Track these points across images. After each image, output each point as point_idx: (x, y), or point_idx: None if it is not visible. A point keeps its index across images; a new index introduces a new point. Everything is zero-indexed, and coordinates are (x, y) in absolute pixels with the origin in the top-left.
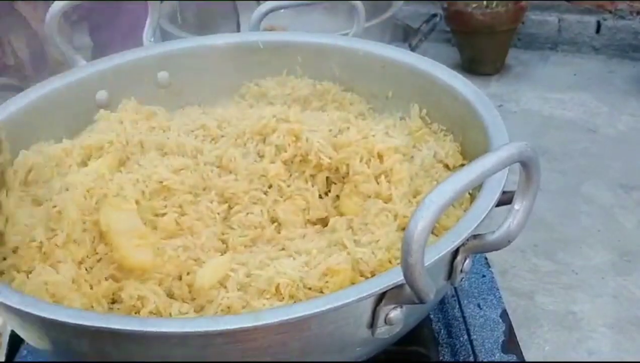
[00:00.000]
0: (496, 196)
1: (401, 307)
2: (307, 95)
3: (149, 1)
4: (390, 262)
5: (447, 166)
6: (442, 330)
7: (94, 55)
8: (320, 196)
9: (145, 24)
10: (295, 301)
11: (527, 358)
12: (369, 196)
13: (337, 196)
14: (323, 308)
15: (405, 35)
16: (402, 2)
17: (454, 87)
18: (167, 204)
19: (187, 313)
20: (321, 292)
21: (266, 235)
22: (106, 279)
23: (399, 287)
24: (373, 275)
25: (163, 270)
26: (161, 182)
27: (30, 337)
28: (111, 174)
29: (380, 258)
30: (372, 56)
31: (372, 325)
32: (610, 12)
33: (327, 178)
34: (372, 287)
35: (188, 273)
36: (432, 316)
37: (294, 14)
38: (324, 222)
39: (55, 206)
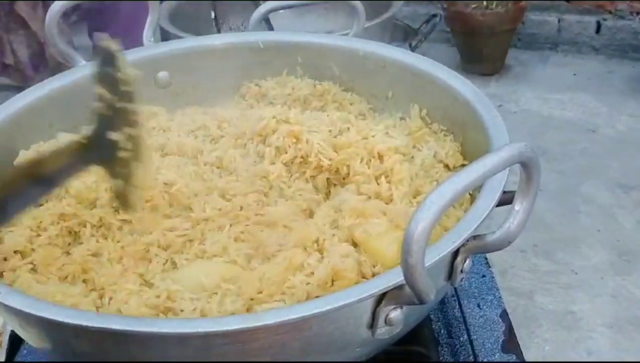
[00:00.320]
0: (496, 197)
1: (401, 308)
2: (307, 95)
3: (149, 1)
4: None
5: (447, 167)
6: (442, 330)
7: (94, 55)
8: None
9: (145, 24)
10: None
11: (526, 358)
12: (369, 197)
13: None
14: (323, 309)
15: (405, 36)
16: (402, 2)
17: (454, 88)
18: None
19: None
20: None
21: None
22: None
23: (399, 288)
24: (374, 275)
25: None
26: (166, 184)
27: (30, 337)
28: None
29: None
30: (372, 56)
31: (372, 325)
32: (610, 12)
33: (328, 179)
34: (372, 288)
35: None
36: (432, 316)
37: (294, 14)
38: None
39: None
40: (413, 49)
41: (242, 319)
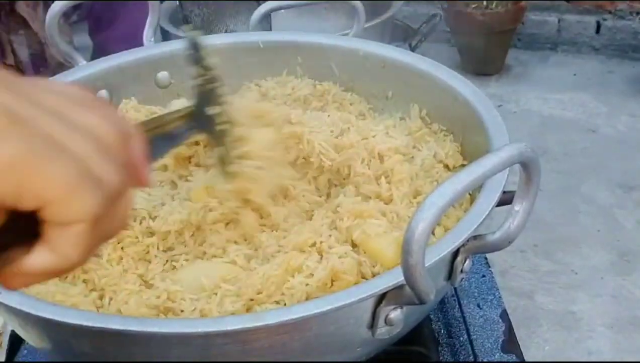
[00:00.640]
0: (496, 197)
1: (401, 308)
2: (307, 95)
3: (149, 1)
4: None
5: (447, 167)
6: (442, 330)
7: (94, 55)
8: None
9: (145, 24)
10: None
11: (526, 358)
12: (370, 197)
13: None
14: (323, 309)
15: (405, 36)
16: (402, 2)
17: (453, 88)
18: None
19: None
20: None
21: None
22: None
23: (399, 288)
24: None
25: None
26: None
27: (30, 337)
28: None
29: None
30: (372, 56)
31: (372, 325)
32: (610, 12)
33: (329, 179)
34: (372, 288)
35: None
36: (432, 316)
37: (294, 14)
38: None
39: None
40: (413, 49)
41: (243, 319)
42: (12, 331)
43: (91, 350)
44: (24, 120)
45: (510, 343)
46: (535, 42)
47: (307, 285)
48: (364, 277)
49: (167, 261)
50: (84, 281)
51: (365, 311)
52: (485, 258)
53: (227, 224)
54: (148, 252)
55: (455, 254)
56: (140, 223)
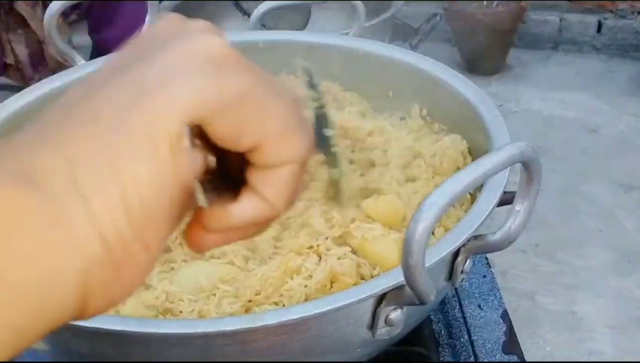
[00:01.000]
0: (497, 197)
1: (402, 308)
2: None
3: (148, 1)
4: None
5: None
6: (443, 331)
7: (93, 54)
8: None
9: (144, 24)
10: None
11: (527, 359)
12: None
13: None
14: (323, 310)
15: (406, 35)
16: (403, 1)
17: (454, 87)
18: None
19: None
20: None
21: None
22: None
23: (399, 288)
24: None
25: None
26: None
27: None
28: None
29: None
30: (372, 55)
31: (372, 326)
32: (611, 11)
33: None
34: (372, 288)
35: None
36: (432, 316)
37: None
38: None
39: None
40: (413, 48)
41: (242, 320)
42: None
43: (90, 350)
44: (250, 64)
45: (511, 343)
46: (536, 42)
47: (305, 286)
48: (363, 279)
49: (165, 262)
50: None
51: (365, 312)
52: (486, 259)
53: None
54: None
55: (456, 254)
56: None
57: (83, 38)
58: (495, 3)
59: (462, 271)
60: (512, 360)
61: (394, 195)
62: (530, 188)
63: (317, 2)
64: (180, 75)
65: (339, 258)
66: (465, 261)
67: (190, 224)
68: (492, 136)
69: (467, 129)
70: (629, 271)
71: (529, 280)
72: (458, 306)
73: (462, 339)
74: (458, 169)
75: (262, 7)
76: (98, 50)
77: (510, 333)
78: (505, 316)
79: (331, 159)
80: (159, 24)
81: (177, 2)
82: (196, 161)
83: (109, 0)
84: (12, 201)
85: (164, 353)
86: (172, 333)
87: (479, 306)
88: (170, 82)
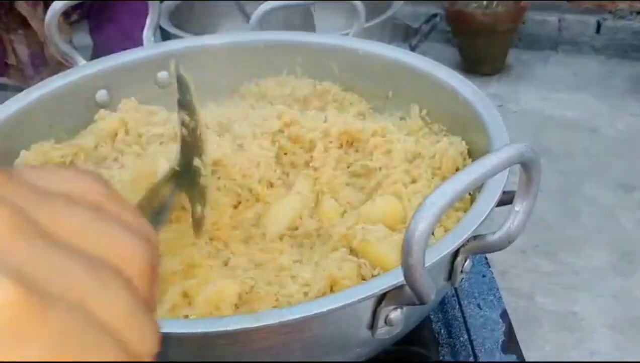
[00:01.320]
0: (497, 197)
1: (401, 308)
2: (307, 95)
3: (149, 1)
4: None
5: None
6: (442, 330)
7: (94, 55)
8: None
9: (145, 24)
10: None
11: (527, 359)
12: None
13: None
14: (324, 309)
15: (405, 35)
16: (402, 2)
17: (454, 87)
18: None
19: None
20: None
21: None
22: None
23: (399, 288)
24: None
25: None
26: None
27: None
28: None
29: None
30: (372, 56)
31: (372, 325)
32: (610, 12)
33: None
34: (372, 288)
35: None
36: (432, 316)
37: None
38: None
39: None
40: (413, 48)
41: (242, 320)
42: None
43: None
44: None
45: (510, 343)
46: (535, 42)
47: (305, 293)
48: (364, 279)
49: None
50: None
51: (365, 312)
52: (486, 258)
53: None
54: None
55: (456, 254)
56: None
57: (84, 38)
58: (495, 3)
59: (461, 271)
60: (511, 360)
61: (394, 196)
62: (529, 188)
63: (317, 2)
64: None
65: (337, 263)
66: (465, 261)
67: None
68: (491, 137)
69: (467, 129)
70: (629, 271)
71: (528, 280)
72: (458, 306)
73: (461, 339)
74: (458, 170)
75: (263, 8)
76: (99, 50)
77: (510, 333)
78: (504, 316)
79: (196, 194)
80: None
81: (178, 2)
82: None
83: (110, 0)
84: None
85: (163, 353)
86: (172, 333)
87: (479, 306)
88: None
